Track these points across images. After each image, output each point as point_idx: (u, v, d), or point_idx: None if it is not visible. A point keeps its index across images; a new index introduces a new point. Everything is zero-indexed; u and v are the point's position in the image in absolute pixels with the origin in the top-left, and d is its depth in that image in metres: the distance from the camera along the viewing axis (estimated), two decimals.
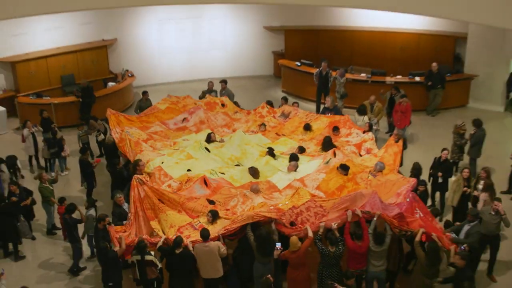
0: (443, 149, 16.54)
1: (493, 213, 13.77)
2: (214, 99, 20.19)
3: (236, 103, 20.79)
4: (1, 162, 17.40)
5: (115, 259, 12.90)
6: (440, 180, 16.17)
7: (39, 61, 23.62)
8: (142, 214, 13.95)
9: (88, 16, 24.39)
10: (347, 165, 15.28)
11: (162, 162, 16.07)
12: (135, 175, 14.55)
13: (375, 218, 12.92)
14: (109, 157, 17.78)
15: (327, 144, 16.90)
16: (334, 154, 16.11)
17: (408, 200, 13.70)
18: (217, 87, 21.98)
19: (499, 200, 13.95)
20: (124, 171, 16.23)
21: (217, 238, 12.90)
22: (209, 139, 17.45)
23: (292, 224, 13.33)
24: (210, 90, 21.42)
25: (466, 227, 13.85)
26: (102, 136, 19.74)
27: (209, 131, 18.01)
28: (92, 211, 14.90)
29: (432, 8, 19.30)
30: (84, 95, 21.55)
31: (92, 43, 25.12)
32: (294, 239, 12.69)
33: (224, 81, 21.78)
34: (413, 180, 14.51)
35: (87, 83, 22.03)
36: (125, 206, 14.46)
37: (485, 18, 18.91)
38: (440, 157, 16.41)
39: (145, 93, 21.34)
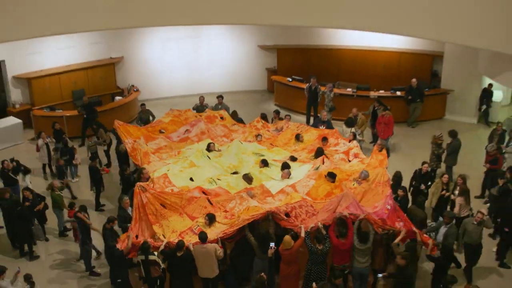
0: (424, 163, 16.52)
1: (475, 223, 13.80)
2: (213, 113, 20.20)
3: (235, 113, 20.86)
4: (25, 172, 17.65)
5: (121, 257, 12.94)
6: (425, 191, 16.13)
7: (52, 78, 23.65)
8: (144, 219, 13.92)
9: (97, 36, 24.47)
10: (334, 172, 15.34)
11: (168, 170, 16.08)
12: (138, 183, 14.54)
13: (359, 218, 13.08)
14: (121, 164, 17.79)
15: (319, 154, 16.93)
16: (323, 161, 16.18)
17: (389, 207, 13.78)
18: (210, 101, 22.04)
19: (482, 213, 13.93)
20: (131, 177, 16.28)
21: (215, 241, 12.94)
22: (208, 148, 17.47)
23: (286, 215, 13.52)
24: (201, 104, 21.43)
25: (443, 229, 13.91)
26: (106, 147, 19.84)
27: (210, 140, 18.03)
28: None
29: (411, 29, 19.42)
30: (88, 111, 21.53)
31: (100, 60, 25.14)
32: (287, 238, 12.86)
33: (220, 96, 21.81)
34: (389, 195, 14.44)
35: (88, 100, 22.02)
36: (129, 209, 14.48)
37: (459, 39, 19.06)
38: (421, 169, 16.39)
39: (143, 105, 21.52)
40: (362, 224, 13.13)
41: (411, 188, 16.32)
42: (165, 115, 20.03)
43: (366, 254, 13.05)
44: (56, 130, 19.80)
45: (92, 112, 21.55)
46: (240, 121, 20.48)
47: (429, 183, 16.41)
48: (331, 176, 15.23)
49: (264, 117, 20.11)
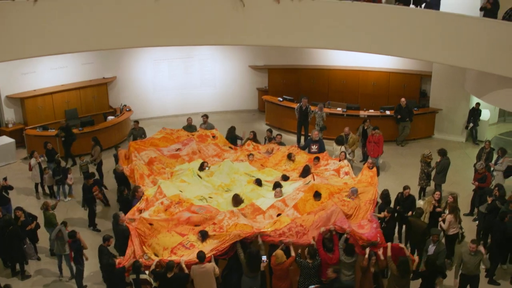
0: (405, 187, 16.05)
1: (472, 253, 13.54)
2: (205, 132, 20.15)
3: (233, 129, 20.91)
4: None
5: (122, 274, 12.83)
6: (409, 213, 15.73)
7: (45, 97, 23.58)
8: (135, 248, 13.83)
9: (90, 56, 24.42)
10: (320, 192, 15.26)
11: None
12: (127, 218, 14.49)
13: (345, 235, 13.27)
14: (119, 184, 17.64)
15: (306, 173, 16.87)
16: (314, 178, 16.13)
17: (375, 226, 13.89)
18: (200, 121, 22.00)
19: (475, 242, 13.66)
20: (129, 197, 16.17)
21: (209, 259, 12.85)
22: (202, 167, 17.37)
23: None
24: (189, 125, 21.31)
25: (431, 248, 13.83)
26: (93, 166, 19.86)
27: (201, 160, 17.92)
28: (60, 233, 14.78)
29: (400, 50, 19.51)
30: (66, 134, 21.27)
31: (93, 80, 25.06)
32: (279, 252, 12.90)
33: (205, 115, 21.71)
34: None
35: (65, 122, 21.81)
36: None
37: (447, 58, 19.17)
38: (403, 193, 16.02)
39: (136, 121, 21.41)
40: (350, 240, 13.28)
41: (395, 213, 15.97)
42: (157, 132, 19.98)
43: (352, 267, 13.17)
44: (48, 149, 19.67)
45: (70, 135, 21.30)
46: (236, 138, 20.56)
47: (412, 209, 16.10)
48: (317, 195, 15.15)
49: (254, 135, 20.07)
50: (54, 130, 22.20)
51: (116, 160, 18.73)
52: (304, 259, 12.99)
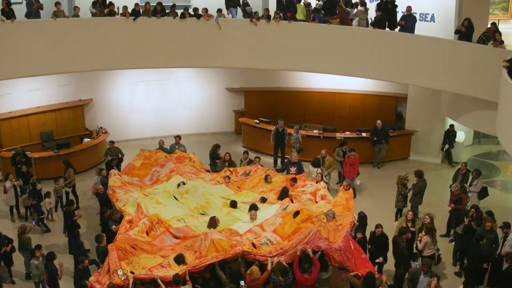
0: (377, 226, 15.42)
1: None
2: (183, 154, 20.25)
3: (217, 146, 21.10)
4: None
5: None
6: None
7: (21, 119, 23.44)
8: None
9: (66, 78, 24.30)
10: (298, 211, 15.24)
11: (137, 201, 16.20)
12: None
13: (319, 253, 13.42)
14: (101, 205, 17.73)
15: (284, 195, 16.84)
16: (292, 201, 16.18)
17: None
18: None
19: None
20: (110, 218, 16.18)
21: (184, 274, 12.90)
22: (178, 186, 17.36)
23: (253, 245, 13.86)
24: (161, 147, 21.32)
25: (424, 278, 13.64)
26: (67, 189, 19.71)
27: (179, 176, 17.93)
28: (34, 260, 14.62)
29: (376, 72, 19.77)
30: (26, 159, 20.76)
31: (69, 102, 24.98)
32: (254, 268, 13.01)
33: (178, 136, 21.88)
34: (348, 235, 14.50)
35: (20, 148, 21.25)
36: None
37: (422, 81, 19.45)
38: (375, 232, 15.41)
39: (112, 142, 21.48)
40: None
41: (368, 252, 15.54)
42: (136, 156, 20.09)
43: (327, 283, 13.33)
44: (23, 172, 19.46)
45: (27, 160, 20.73)
46: (218, 156, 20.74)
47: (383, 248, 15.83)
48: (295, 213, 15.13)
49: (229, 156, 20.21)
50: (29, 152, 21.83)
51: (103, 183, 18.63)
52: (277, 277, 13.07)
